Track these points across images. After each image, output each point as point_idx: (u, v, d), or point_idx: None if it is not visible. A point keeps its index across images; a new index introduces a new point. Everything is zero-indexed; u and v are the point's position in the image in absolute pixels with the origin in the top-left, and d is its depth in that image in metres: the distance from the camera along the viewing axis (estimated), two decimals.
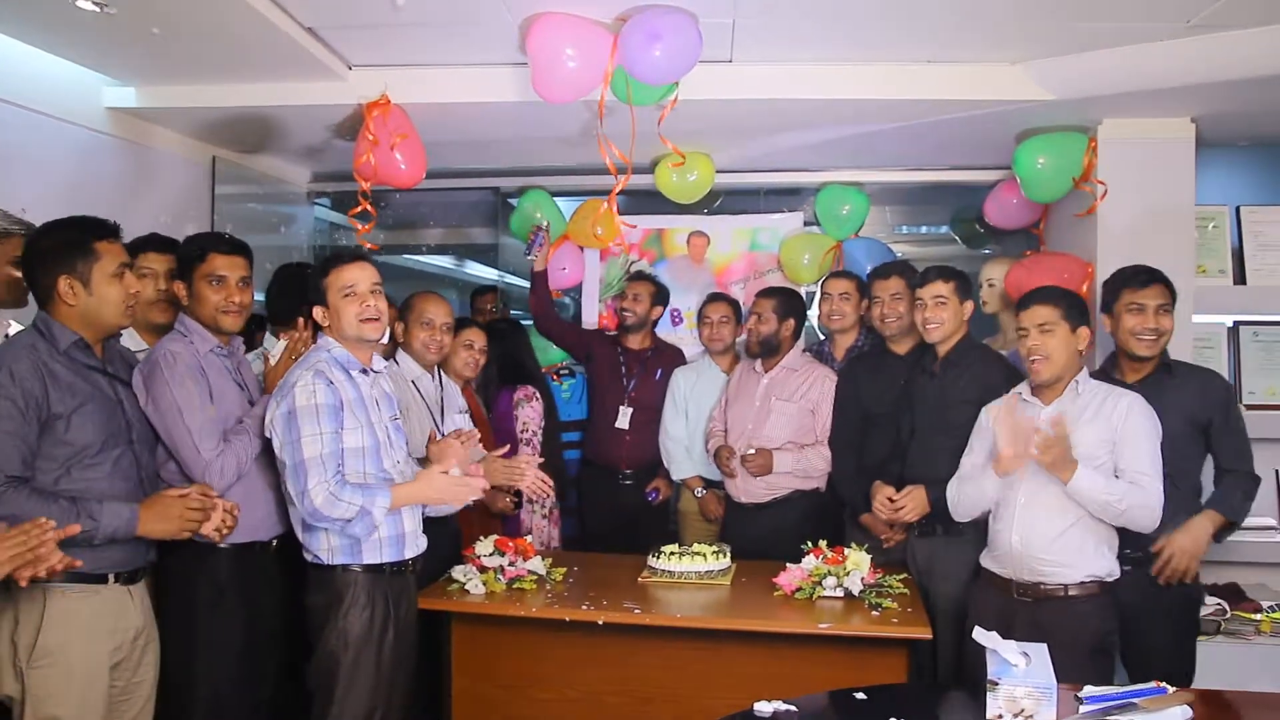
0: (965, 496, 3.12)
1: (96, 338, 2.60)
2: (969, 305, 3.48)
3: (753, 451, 3.98)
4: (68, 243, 2.52)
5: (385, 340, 3.04)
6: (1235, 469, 3.18)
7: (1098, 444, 2.89)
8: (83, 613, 2.47)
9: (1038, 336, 2.93)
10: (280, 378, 2.92)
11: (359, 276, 2.83)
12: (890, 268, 3.94)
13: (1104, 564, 2.91)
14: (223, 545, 2.78)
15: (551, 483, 3.47)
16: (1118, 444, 2.88)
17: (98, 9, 3.07)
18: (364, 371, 2.88)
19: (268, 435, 2.79)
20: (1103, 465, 2.86)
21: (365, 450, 2.81)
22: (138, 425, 2.68)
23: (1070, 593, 2.89)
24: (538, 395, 4.38)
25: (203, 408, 2.74)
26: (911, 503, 3.41)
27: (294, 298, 3.45)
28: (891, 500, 3.47)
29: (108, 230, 2.59)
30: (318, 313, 2.87)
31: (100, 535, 2.44)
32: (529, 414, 4.30)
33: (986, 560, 3.10)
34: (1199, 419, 3.16)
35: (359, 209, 4.08)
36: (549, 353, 4.99)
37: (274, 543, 2.99)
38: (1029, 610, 2.90)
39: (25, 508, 2.33)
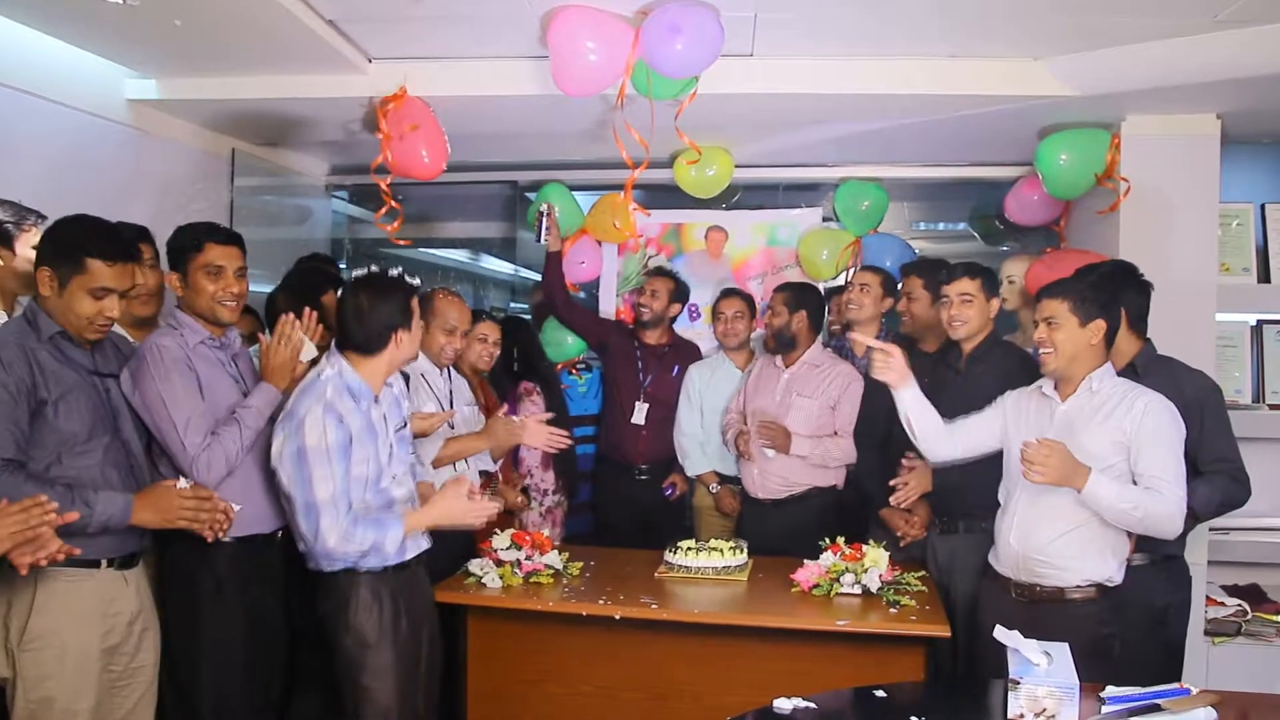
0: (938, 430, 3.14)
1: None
2: (995, 303, 3.44)
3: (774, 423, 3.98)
4: (65, 242, 2.51)
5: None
6: (1213, 472, 3.06)
7: (1110, 446, 2.81)
8: (75, 596, 2.48)
9: (1044, 330, 2.90)
10: (274, 358, 2.89)
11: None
12: (910, 266, 3.95)
13: (1105, 569, 2.85)
14: (224, 539, 2.77)
15: (565, 433, 3.49)
16: (1134, 446, 2.79)
17: (121, 1, 3.08)
18: (375, 399, 2.82)
19: (274, 467, 2.72)
20: (1114, 468, 2.80)
21: (368, 479, 2.77)
22: (125, 414, 2.67)
23: (1067, 595, 2.85)
24: (538, 390, 4.38)
25: (189, 401, 2.72)
26: (915, 480, 3.38)
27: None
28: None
29: (111, 250, 2.53)
30: (398, 336, 2.79)
31: (94, 523, 2.44)
32: (528, 409, 4.31)
33: (991, 558, 3.08)
34: None
35: (385, 209, 4.10)
36: (564, 347, 4.99)
37: (278, 534, 2.97)
38: (1025, 611, 2.86)
39: (23, 491, 2.32)
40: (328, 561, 2.74)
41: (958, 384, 3.45)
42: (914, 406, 3.12)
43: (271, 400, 2.87)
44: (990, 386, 3.24)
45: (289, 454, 2.67)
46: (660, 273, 4.77)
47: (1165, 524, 2.76)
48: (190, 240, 2.86)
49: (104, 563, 2.55)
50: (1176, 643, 3.23)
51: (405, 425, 2.99)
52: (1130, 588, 2.95)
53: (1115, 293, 3.02)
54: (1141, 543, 2.99)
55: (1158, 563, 3.13)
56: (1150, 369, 3.14)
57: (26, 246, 2.77)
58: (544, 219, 4.72)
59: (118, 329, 3.03)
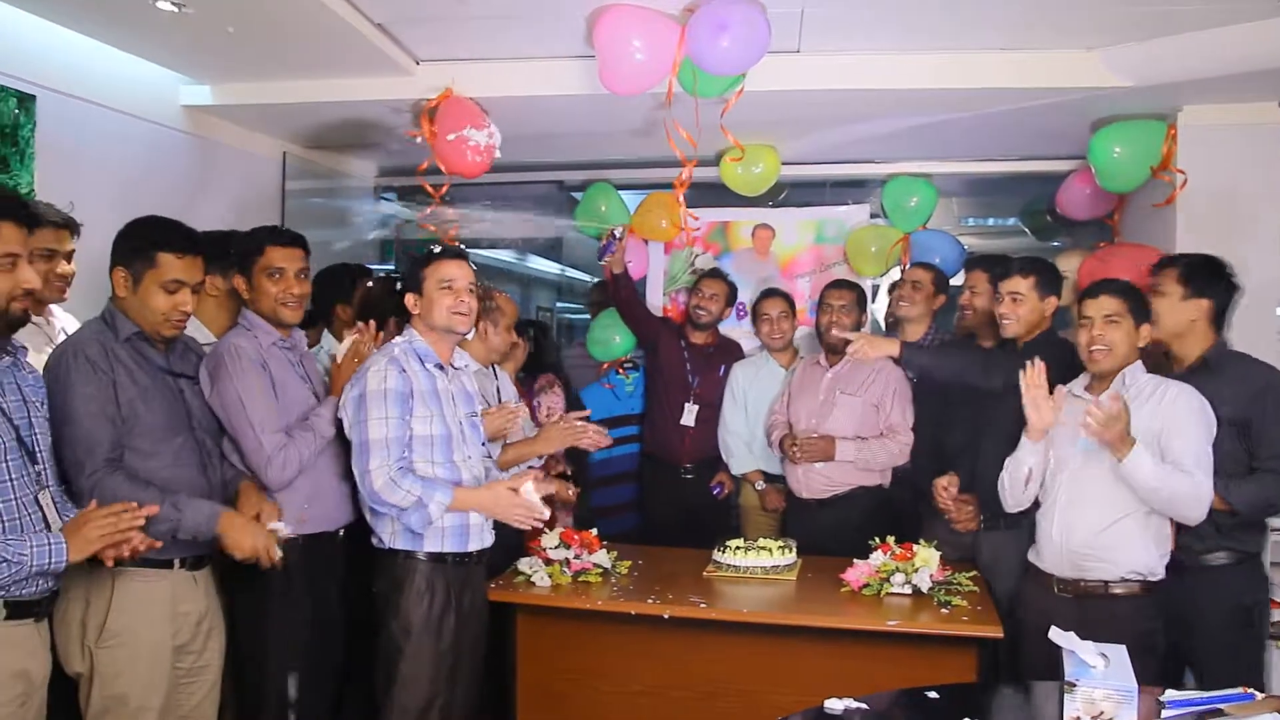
0: (1006, 475, 3.08)
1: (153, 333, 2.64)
2: (1052, 301, 3.35)
3: (815, 436, 3.96)
4: (136, 239, 2.59)
5: (470, 336, 3.08)
6: (1270, 469, 2.91)
7: (1146, 435, 2.81)
8: (150, 596, 2.54)
9: (1102, 327, 2.88)
10: (345, 376, 2.96)
11: (458, 273, 2.90)
12: (974, 261, 3.91)
13: (1148, 560, 2.84)
14: (294, 536, 2.82)
15: (605, 432, 3.49)
16: (1165, 434, 2.80)
17: (176, 9, 3.15)
18: (440, 367, 2.90)
19: (340, 417, 2.85)
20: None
21: (435, 439, 2.84)
22: (199, 414, 2.74)
23: (1112, 590, 2.84)
24: (558, 383, 4.38)
25: (264, 401, 2.80)
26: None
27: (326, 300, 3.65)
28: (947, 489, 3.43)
29: (180, 244, 2.60)
30: (410, 300, 2.91)
31: (183, 530, 2.51)
32: (552, 400, 4.29)
33: (1032, 555, 3.06)
34: (1236, 417, 2.91)
35: (432, 207, 4.18)
36: (611, 347, 5.00)
37: (340, 532, 3.04)
38: (1070, 607, 2.85)
39: (121, 491, 2.40)
40: (387, 532, 2.81)
41: (1013, 361, 3.38)
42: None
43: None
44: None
45: (352, 399, 2.81)
46: (715, 274, 4.73)
47: (1190, 507, 2.77)
48: (253, 243, 2.94)
49: (176, 563, 2.62)
50: (1261, 643, 3.11)
51: (476, 415, 3.04)
52: (1214, 587, 2.91)
53: (1207, 283, 3.02)
54: (1223, 540, 2.93)
55: (1243, 561, 3.02)
56: (1221, 362, 3.05)
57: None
58: (611, 241, 4.62)
59: (199, 329, 3.12)
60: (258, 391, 2.79)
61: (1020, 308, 3.33)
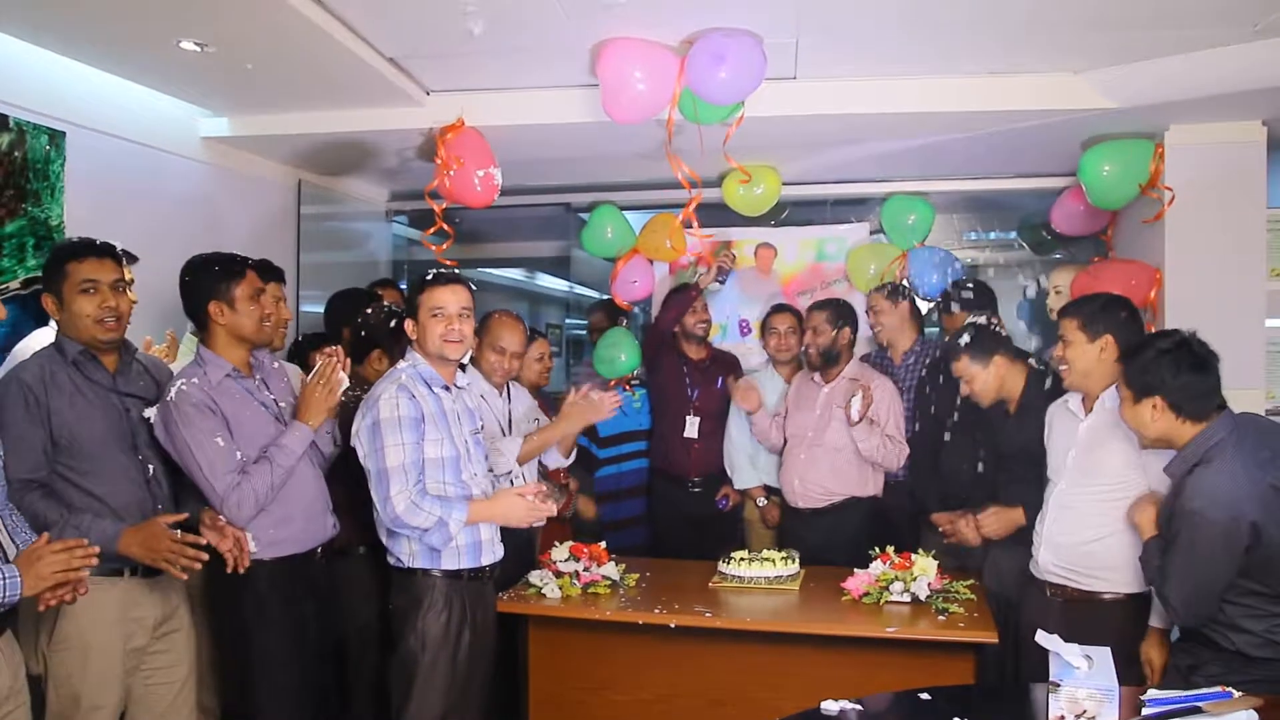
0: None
1: (97, 350, 2.76)
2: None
3: (858, 397, 3.93)
4: (47, 265, 2.77)
5: (466, 360, 3.15)
6: None
7: (1124, 464, 2.89)
8: (98, 602, 2.60)
9: (1060, 349, 3.03)
10: (310, 397, 2.95)
11: (449, 299, 2.94)
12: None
13: (1137, 580, 2.88)
14: (264, 559, 2.85)
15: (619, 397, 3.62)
16: (1146, 456, 2.81)
17: (198, 49, 3.29)
18: (446, 388, 2.99)
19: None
20: (1129, 484, 2.87)
21: (445, 461, 2.92)
22: (145, 433, 2.81)
23: (1102, 597, 2.95)
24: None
25: (211, 444, 2.77)
26: (996, 521, 3.39)
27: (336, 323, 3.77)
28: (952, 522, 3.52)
29: (82, 250, 2.74)
30: (408, 326, 2.99)
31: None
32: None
33: (1030, 562, 3.17)
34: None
35: (435, 228, 4.28)
36: (618, 364, 5.10)
37: (319, 552, 3.04)
38: (1061, 610, 2.98)
39: (36, 509, 2.55)
40: (405, 552, 2.91)
41: (1011, 425, 3.43)
42: None
43: (303, 438, 2.92)
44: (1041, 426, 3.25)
45: (365, 428, 2.88)
46: (684, 289, 4.81)
47: None
48: (234, 268, 2.96)
49: (127, 571, 2.72)
50: None
51: (479, 432, 3.13)
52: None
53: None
54: None
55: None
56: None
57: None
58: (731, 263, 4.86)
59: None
60: (204, 436, 2.76)
61: (974, 384, 3.43)
